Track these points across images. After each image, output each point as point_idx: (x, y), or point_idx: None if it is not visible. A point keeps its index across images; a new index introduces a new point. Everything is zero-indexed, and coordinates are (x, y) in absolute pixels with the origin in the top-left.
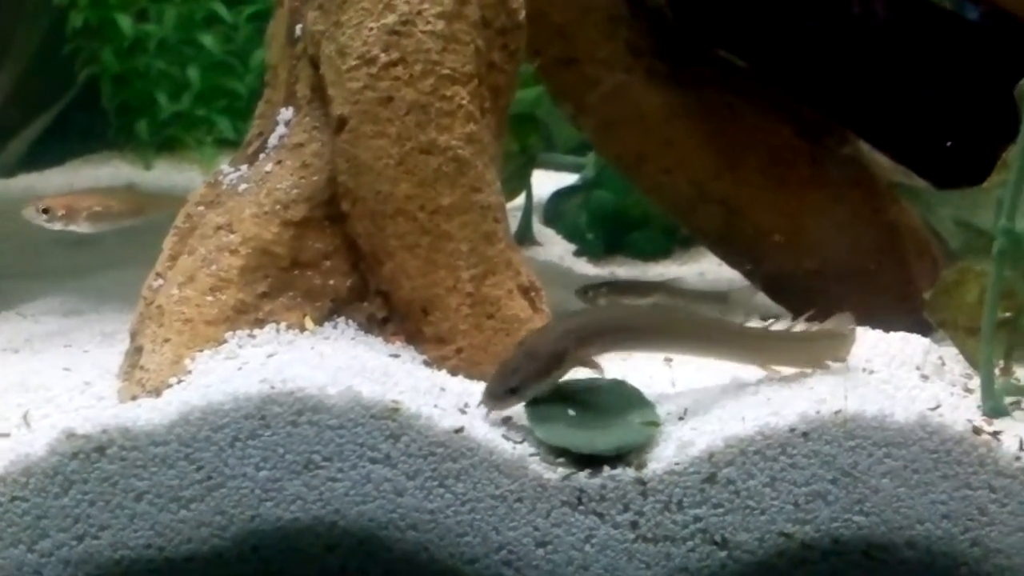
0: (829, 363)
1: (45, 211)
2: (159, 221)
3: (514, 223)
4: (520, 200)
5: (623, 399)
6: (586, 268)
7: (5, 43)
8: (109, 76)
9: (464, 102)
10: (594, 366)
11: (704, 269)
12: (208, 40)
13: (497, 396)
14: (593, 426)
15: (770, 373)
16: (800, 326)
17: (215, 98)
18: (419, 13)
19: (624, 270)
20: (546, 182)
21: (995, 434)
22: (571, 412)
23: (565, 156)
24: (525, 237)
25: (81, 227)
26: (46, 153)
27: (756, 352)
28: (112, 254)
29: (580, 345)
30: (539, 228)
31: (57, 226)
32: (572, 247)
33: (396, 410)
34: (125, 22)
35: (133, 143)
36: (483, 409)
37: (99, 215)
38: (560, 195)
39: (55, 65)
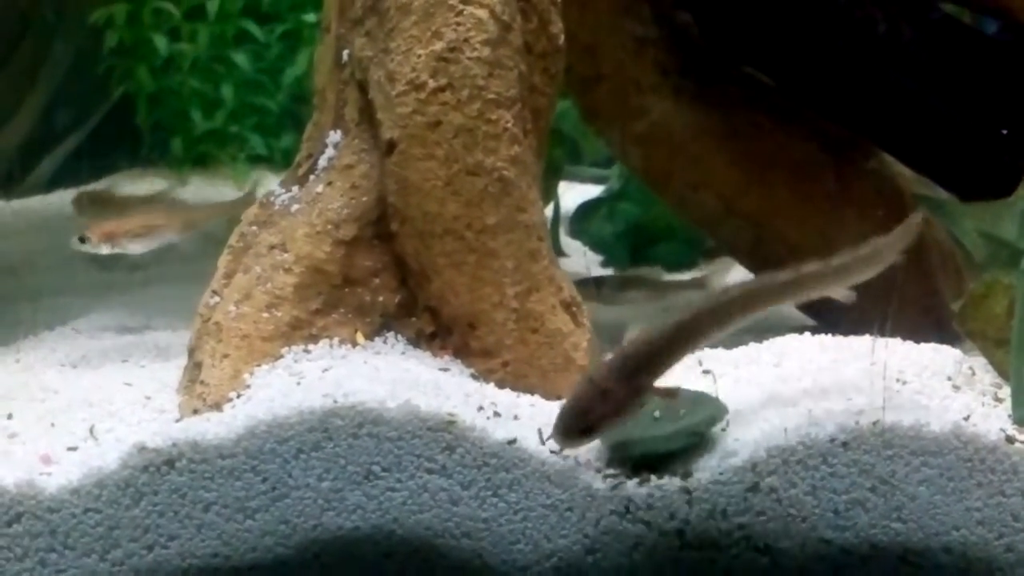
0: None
1: (82, 240)
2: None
3: None
4: (547, 212)
5: (699, 407)
6: None
7: (41, 60)
8: (144, 94)
9: (509, 125)
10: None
11: (728, 281)
12: (240, 58)
13: (571, 436)
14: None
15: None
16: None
17: (247, 115)
18: (466, 40)
19: None
20: (572, 194)
21: None
22: (656, 415)
23: (590, 168)
24: (552, 249)
25: (128, 249)
26: (82, 169)
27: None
28: (148, 272)
29: (650, 376)
30: (565, 240)
31: (104, 251)
32: (598, 258)
33: (452, 422)
34: (160, 41)
35: (167, 159)
36: (547, 429)
37: (143, 235)
38: (586, 207)
39: (89, 82)
